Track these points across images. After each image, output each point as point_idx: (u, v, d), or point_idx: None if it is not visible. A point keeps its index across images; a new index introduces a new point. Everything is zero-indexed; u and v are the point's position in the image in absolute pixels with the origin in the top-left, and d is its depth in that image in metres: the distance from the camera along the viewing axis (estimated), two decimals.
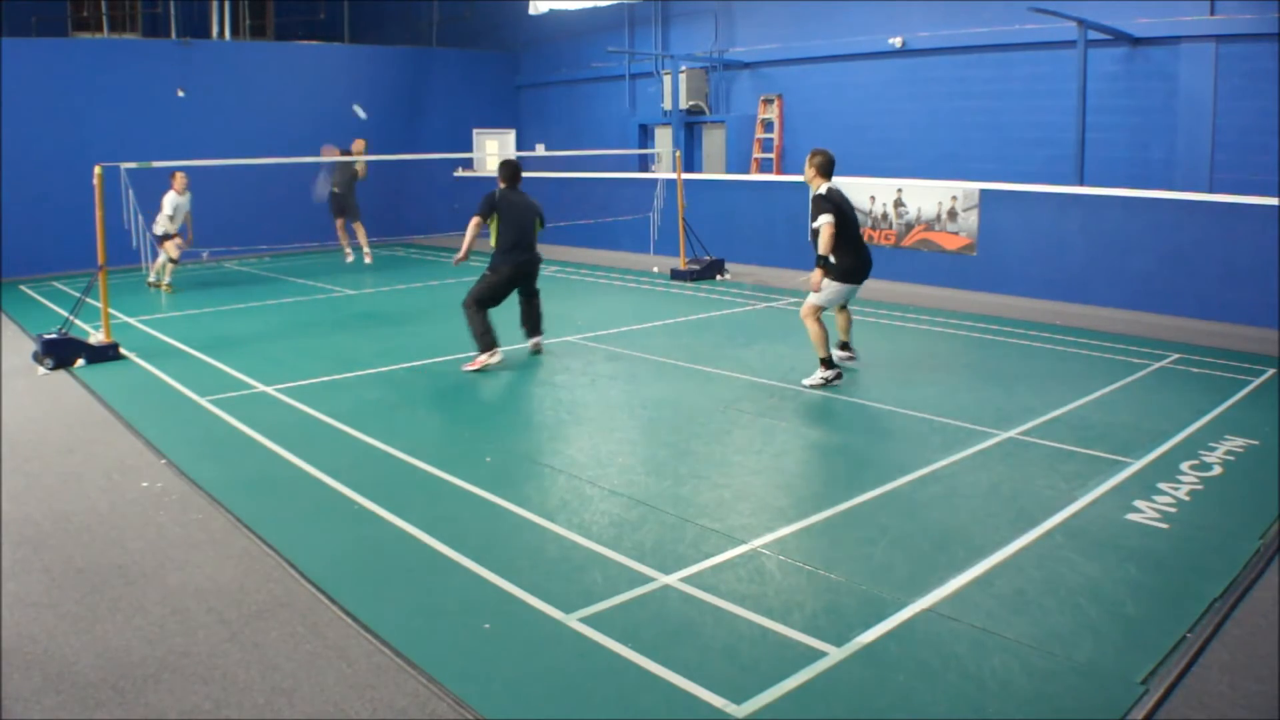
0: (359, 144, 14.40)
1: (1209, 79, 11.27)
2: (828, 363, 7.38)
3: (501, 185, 8.52)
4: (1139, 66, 11.95)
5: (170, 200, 12.28)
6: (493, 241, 8.43)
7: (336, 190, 14.23)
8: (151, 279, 12.89)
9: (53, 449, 6.17)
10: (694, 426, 6.50)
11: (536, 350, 8.77)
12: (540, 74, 20.71)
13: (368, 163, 14.33)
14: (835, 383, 7.35)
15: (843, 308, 7.87)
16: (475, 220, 8.32)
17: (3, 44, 14.72)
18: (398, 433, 6.32)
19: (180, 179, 12.41)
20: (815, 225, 7.17)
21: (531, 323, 8.83)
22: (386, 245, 16.80)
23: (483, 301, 8.29)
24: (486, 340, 8.18)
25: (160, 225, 12.20)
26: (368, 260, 14.73)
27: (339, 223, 14.57)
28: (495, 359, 8.15)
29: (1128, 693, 3.27)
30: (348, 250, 14.62)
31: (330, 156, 14.14)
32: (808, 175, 7.45)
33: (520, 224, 8.41)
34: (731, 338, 9.33)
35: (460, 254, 8.39)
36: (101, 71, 15.81)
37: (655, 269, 14.20)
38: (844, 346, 7.96)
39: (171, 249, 12.47)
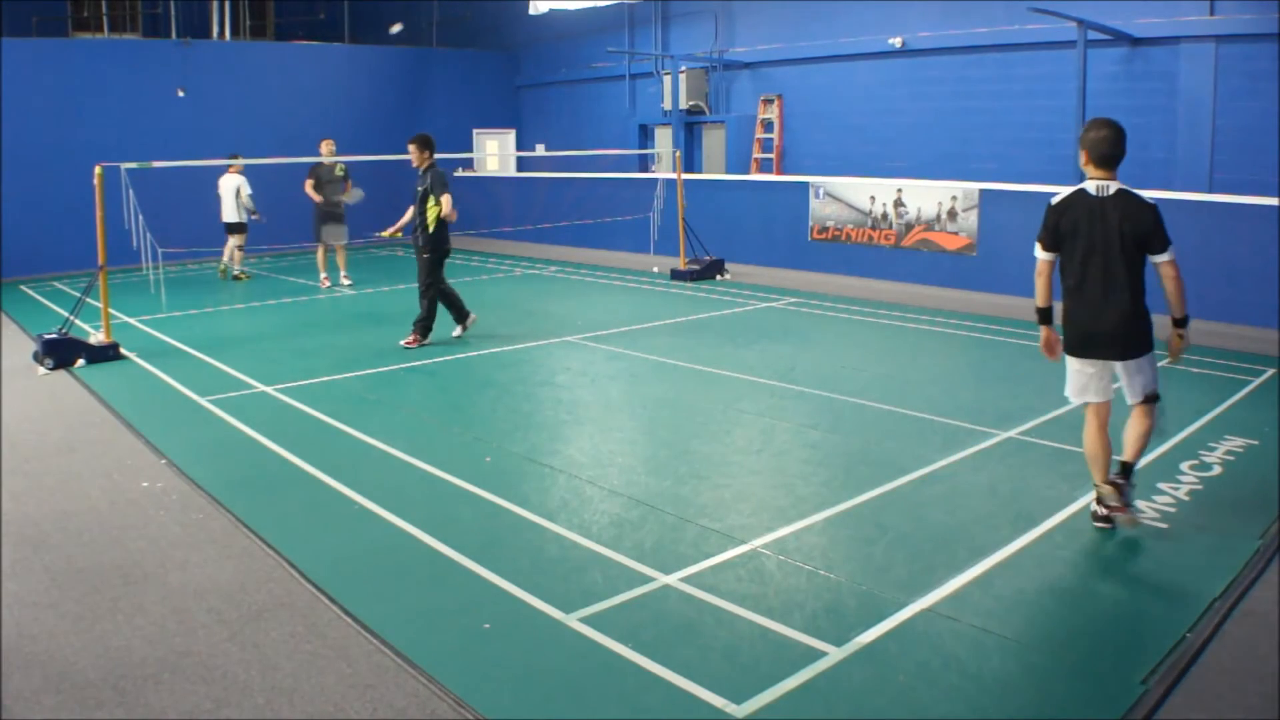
0: (328, 145, 12.74)
1: (1209, 79, 11.27)
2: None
3: (433, 160, 8.91)
4: (1139, 66, 11.95)
5: (222, 184, 13.31)
6: (433, 221, 8.77)
7: (330, 208, 12.58)
8: (236, 271, 13.88)
9: (53, 449, 6.17)
10: (694, 426, 6.50)
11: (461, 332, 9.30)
12: (540, 74, 20.71)
13: (345, 165, 12.73)
14: None
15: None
16: (450, 197, 8.78)
17: (3, 44, 14.73)
18: (398, 433, 6.32)
19: (235, 163, 13.22)
20: (1161, 259, 4.46)
21: (458, 305, 9.28)
22: (387, 245, 16.78)
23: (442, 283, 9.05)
24: (430, 324, 9.04)
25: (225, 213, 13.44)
26: (347, 283, 13.01)
27: (323, 247, 12.91)
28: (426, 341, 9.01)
29: (1128, 693, 3.27)
30: (325, 276, 13.03)
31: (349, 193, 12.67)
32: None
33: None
34: (731, 338, 9.33)
35: (447, 213, 8.81)
36: (101, 71, 15.81)
37: (655, 269, 14.19)
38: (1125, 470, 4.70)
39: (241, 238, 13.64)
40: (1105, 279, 4.46)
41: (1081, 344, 4.58)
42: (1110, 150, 4.45)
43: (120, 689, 3.36)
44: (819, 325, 10.05)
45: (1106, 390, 4.60)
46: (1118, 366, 4.54)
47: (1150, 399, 4.58)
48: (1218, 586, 4.02)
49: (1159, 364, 4.62)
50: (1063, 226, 4.56)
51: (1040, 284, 4.71)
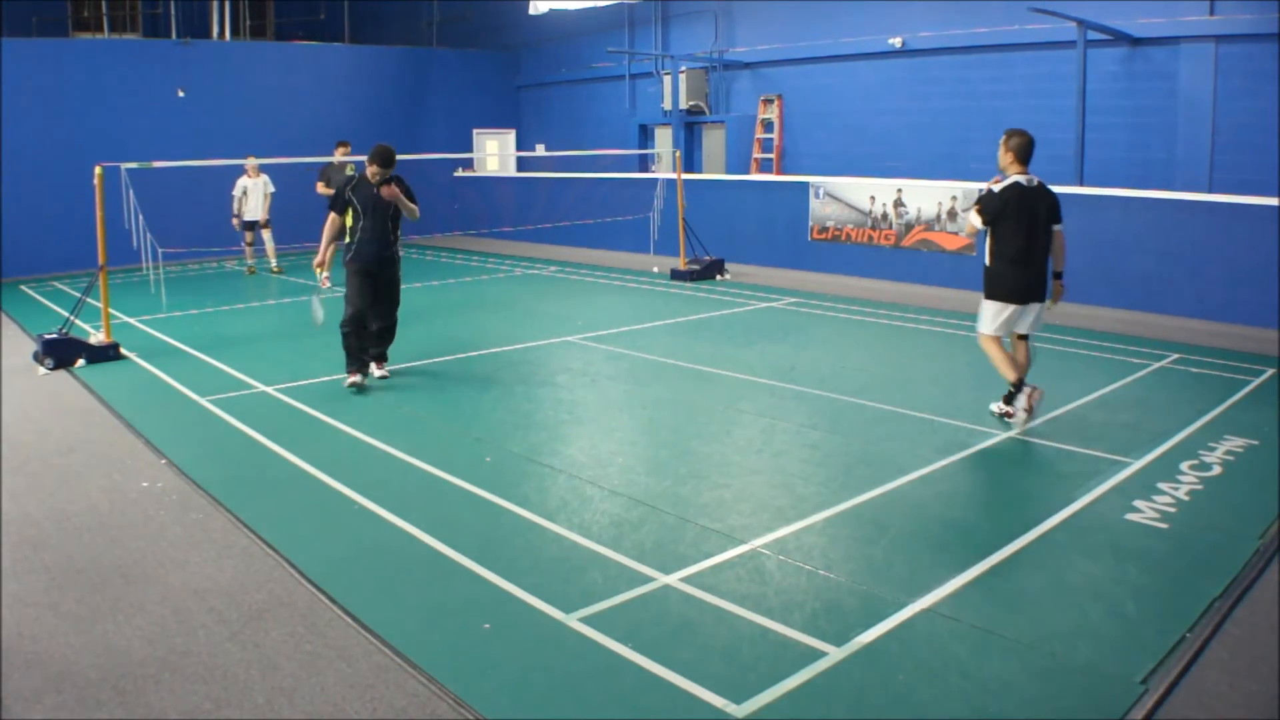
0: (343, 149, 13.01)
1: (1209, 79, 11.27)
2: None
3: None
4: (1139, 66, 11.95)
5: (239, 185, 13.78)
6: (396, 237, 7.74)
7: None
8: (250, 263, 14.57)
9: (53, 449, 6.17)
10: (694, 426, 6.50)
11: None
12: (540, 74, 20.71)
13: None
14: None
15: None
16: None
17: (3, 44, 14.74)
18: (398, 433, 6.32)
19: (249, 162, 13.58)
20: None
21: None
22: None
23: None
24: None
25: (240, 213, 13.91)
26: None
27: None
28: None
29: (1128, 693, 3.27)
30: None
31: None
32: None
33: None
34: (731, 338, 9.33)
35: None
36: (101, 71, 15.82)
37: (655, 269, 14.20)
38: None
39: (249, 235, 14.16)
40: (1035, 248, 6.08)
41: (1017, 294, 6.09)
42: (1030, 152, 6.11)
43: (120, 689, 3.36)
44: (819, 325, 10.05)
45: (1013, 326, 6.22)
46: (1031, 307, 6.14)
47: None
48: (1218, 586, 4.02)
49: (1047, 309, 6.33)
50: (1008, 211, 6.03)
51: (971, 235, 6.69)
